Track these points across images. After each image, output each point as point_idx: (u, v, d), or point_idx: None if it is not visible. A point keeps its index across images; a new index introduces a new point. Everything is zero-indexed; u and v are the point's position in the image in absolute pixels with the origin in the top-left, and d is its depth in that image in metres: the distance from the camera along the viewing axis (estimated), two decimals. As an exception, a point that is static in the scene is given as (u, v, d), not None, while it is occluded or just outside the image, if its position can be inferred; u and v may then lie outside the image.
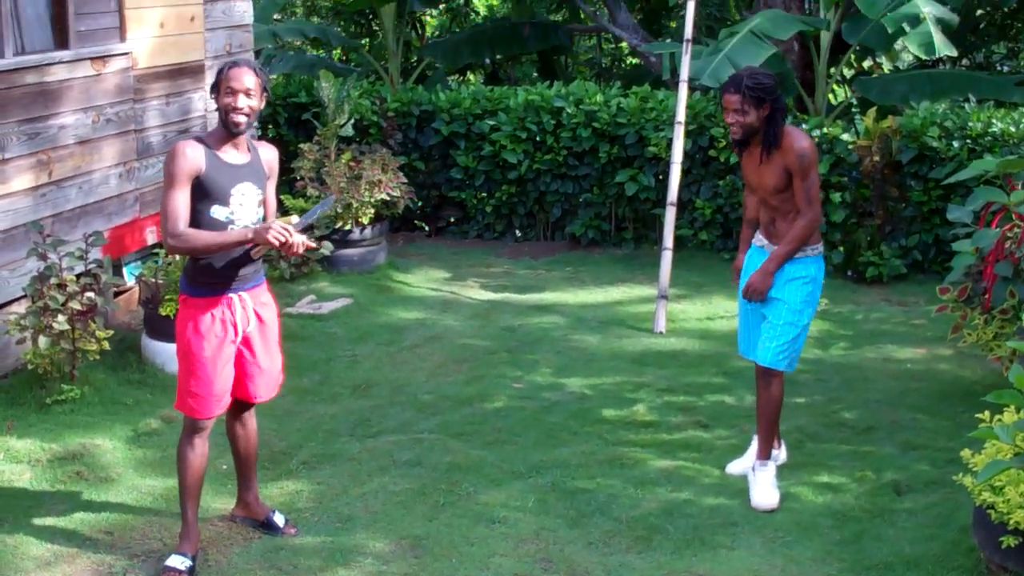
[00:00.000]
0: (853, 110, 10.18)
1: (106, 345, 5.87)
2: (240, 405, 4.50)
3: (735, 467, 5.20)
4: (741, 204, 8.37)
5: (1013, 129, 7.90)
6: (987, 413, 4.33)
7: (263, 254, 4.34)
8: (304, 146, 8.39)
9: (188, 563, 4.26)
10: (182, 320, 4.29)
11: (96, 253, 6.21)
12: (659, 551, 4.50)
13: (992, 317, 5.75)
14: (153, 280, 6.28)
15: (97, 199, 6.70)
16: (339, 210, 7.98)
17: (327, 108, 8.46)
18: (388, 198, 8.29)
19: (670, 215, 7.54)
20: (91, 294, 5.80)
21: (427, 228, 9.57)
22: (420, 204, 9.29)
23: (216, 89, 4.20)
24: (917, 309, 7.61)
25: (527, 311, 7.60)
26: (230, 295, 4.29)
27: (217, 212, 4.17)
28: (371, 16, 12.35)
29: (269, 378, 4.50)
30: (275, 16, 12.17)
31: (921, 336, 7.09)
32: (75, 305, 5.68)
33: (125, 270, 7.08)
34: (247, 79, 4.16)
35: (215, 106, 4.22)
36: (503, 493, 4.96)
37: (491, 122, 9.03)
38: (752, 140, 4.81)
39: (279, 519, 4.62)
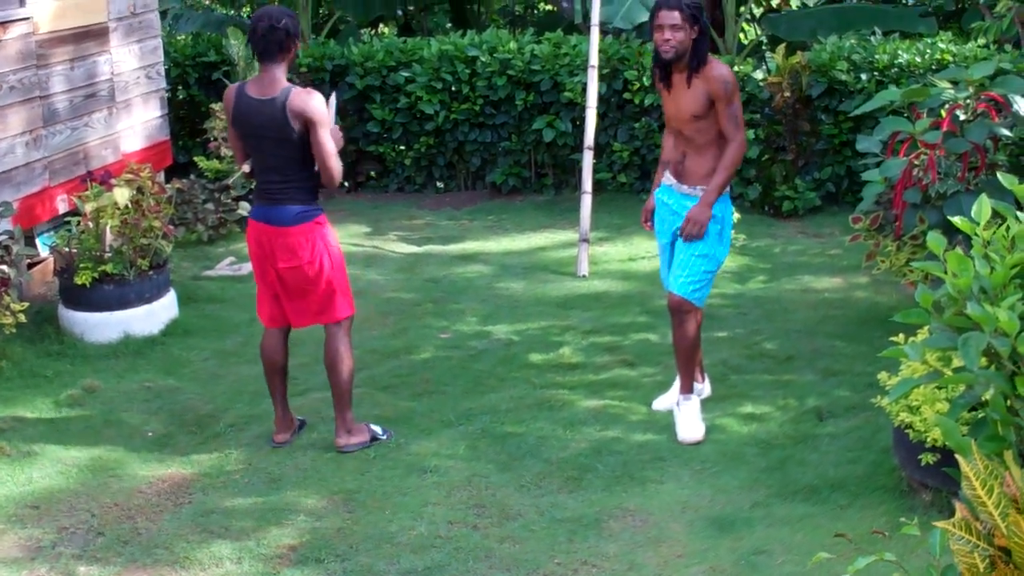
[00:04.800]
0: (763, 48, 10.27)
1: (22, 318, 5.74)
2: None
3: (661, 403, 5.27)
4: (658, 145, 8.44)
5: (919, 60, 8.03)
6: (902, 336, 4.45)
7: None
8: (216, 106, 8.23)
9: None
10: (325, 236, 4.75)
11: (6, 224, 6.06)
12: (590, 489, 4.57)
13: (904, 243, 5.88)
14: (67, 249, 6.16)
15: (3, 169, 6.52)
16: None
17: (237, 66, 8.32)
18: (304, 155, 8.19)
19: (587, 159, 7.57)
20: (3, 266, 5.67)
21: (346, 184, 9.48)
22: (338, 160, 9.17)
23: (297, 38, 4.65)
24: (833, 240, 7.75)
25: (451, 262, 7.59)
26: None
27: None
28: (278, -29, 12.09)
29: None
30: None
31: (837, 266, 7.23)
32: (-14, 278, 5.55)
33: (38, 240, 6.92)
34: None
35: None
36: (434, 442, 4.98)
37: (406, 74, 8.94)
38: (677, 64, 4.83)
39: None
